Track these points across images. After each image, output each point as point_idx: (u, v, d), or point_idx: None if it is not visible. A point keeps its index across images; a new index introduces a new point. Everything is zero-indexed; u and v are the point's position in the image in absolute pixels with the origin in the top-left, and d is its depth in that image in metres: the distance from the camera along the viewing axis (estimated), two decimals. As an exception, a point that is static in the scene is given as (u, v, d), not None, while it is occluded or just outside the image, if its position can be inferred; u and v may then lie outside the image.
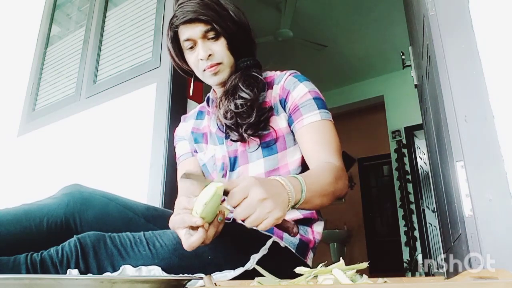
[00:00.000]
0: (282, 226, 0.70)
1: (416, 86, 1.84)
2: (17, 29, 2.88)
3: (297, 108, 0.95)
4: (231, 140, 0.98)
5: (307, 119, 0.93)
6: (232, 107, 0.94)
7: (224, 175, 1.01)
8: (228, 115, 0.95)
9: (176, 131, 1.18)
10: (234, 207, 0.64)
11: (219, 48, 0.96)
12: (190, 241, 0.65)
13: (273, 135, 0.96)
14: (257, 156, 0.97)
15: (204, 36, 0.96)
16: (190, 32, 0.96)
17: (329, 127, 0.93)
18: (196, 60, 0.98)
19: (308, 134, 0.92)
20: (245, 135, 0.94)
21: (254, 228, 0.64)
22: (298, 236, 0.92)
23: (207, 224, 0.65)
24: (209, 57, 0.96)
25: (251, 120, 0.93)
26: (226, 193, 0.65)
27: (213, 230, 0.67)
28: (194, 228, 0.65)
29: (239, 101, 0.94)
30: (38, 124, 2.34)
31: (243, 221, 0.64)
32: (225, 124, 0.97)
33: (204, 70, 0.98)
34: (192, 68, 1.03)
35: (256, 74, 0.99)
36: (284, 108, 0.98)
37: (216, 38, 0.96)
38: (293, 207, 0.72)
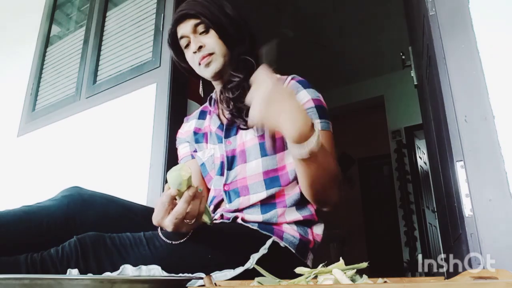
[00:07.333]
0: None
1: (416, 86, 1.84)
2: (17, 29, 2.88)
3: None
4: (240, 128, 1.00)
5: None
6: (230, 94, 0.98)
7: (222, 174, 1.02)
8: (229, 104, 0.99)
9: (178, 133, 1.19)
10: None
11: (210, 40, 1.01)
12: (176, 208, 0.70)
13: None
14: (255, 156, 0.97)
15: (195, 31, 1.01)
16: (183, 29, 1.02)
17: (326, 137, 0.92)
18: (192, 56, 1.02)
19: None
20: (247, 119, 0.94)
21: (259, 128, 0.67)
22: (298, 236, 0.93)
23: (188, 194, 0.70)
24: (200, 48, 1.00)
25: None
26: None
27: (197, 201, 0.71)
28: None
29: (232, 85, 0.98)
30: (38, 124, 2.34)
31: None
32: (230, 113, 1.00)
33: (200, 64, 1.02)
34: (192, 67, 1.06)
35: (244, 56, 1.01)
36: None
37: (206, 31, 1.01)
38: (300, 144, 0.67)
